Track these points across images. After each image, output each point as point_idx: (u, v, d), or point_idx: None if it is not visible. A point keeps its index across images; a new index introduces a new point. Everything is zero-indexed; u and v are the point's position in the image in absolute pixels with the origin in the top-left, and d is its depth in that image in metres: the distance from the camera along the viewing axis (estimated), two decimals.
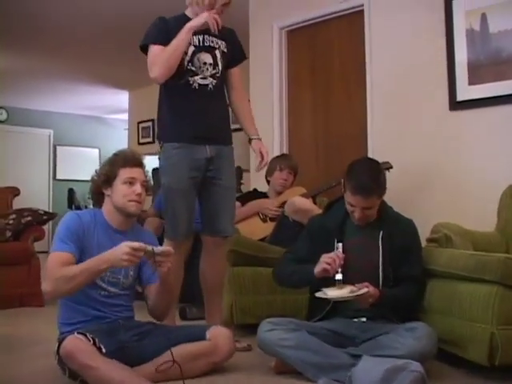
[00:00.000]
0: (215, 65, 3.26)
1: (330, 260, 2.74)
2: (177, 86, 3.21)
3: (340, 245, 2.87)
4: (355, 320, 2.84)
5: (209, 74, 3.24)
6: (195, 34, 3.19)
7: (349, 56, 4.97)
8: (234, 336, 2.93)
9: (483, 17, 3.99)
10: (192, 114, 3.22)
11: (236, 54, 3.42)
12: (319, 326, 2.81)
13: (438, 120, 4.24)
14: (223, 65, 3.31)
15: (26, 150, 11.59)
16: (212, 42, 3.27)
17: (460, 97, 4.10)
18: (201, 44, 3.23)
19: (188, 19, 3.21)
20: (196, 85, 3.21)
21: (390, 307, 2.80)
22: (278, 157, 4.61)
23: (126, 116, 11.05)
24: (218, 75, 3.28)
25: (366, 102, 4.70)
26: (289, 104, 5.38)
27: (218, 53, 3.28)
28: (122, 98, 10.74)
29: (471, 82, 4.05)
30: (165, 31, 3.18)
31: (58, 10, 6.37)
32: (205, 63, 3.22)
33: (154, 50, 3.17)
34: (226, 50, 3.33)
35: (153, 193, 3.67)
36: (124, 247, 2.42)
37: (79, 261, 2.61)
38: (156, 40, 3.18)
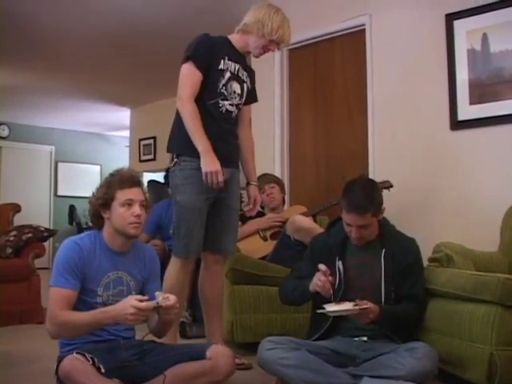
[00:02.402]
0: (241, 96, 3.35)
1: (321, 284, 2.71)
2: (206, 105, 3.22)
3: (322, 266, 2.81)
4: (356, 339, 2.82)
5: (235, 102, 3.32)
6: (232, 60, 3.28)
7: (350, 74, 4.99)
8: (234, 354, 2.92)
9: (484, 37, 4.01)
10: (216, 135, 3.22)
11: (252, 95, 3.51)
12: (320, 346, 2.80)
13: (439, 139, 4.25)
14: (245, 99, 3.39)
15: (27, 166, 11.62)
16: (243, 75, 3.36)
17: (461, 116, 4.11)
18: (236, 73, 3.31)
19: (230, 45, 3.32)
20: (224, 109, 3.26)
21: (390, 325, 2.78)
22: None
23: (127, 133, 11.10)
24: (240, 106, 3.37)
25: (367, 120, 4.72)
26: (290, 122, 5.40)
27: (245, 86, 3.38)
28: (123, 115, 10.79)
29: (472, 102, 4.06)
30: (209, 53, 3.21)
31: (60, 26, 6.41)
32: (234, 92, 3.30)
33: (188, 68, 3.20)
34: (249, 87, 3.42)
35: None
36: (130, 308, 2.37)
37: (82, 288, 2.60)
38: (197, 59, 3.19)
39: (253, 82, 3.50)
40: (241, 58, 3.37)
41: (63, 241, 2.70)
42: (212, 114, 3.23)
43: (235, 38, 3.36)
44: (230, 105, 3.28)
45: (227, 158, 3.27)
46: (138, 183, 2.75)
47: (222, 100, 3.25)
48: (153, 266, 2.88)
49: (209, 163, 3.07)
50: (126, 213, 2.65)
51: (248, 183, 3.52)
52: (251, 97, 3.51)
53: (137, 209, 2.67)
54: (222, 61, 3.25)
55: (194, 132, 3.10)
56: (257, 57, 3.40)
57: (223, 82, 3.24)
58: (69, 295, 2.55)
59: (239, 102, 3.34)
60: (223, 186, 3.18)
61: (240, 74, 3.34)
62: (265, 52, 3.34)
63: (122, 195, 2.66)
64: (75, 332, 2.54)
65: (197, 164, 3.13)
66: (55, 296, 2.55)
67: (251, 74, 3.49)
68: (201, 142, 3.09)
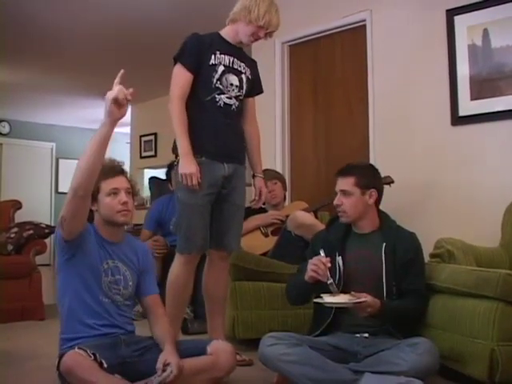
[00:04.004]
0: (240, 88, 3.33)
1: (315, 267, 2.73)
2: (202, 102, 3.25)
3: (321, 251, 2.82)
4: (357, 335, 2.82)
5: (234, 94, 3.30)
6: (224, 53, 3.28)
7: (351, 71, 4.98)
8: (236, 350, 2.92)
9: (485, 32, 4.00)
10: (215, 130, 3.25)
11: (255, 86, 3.50)
12: (321, 341, 2.80)
13: (440, 135, 4.24)
14: (246, 90, 3.37)
15: (28, 163, 11.61)
16: (240, 66, 3.35)
17: (462, 112, 4.10)
18: (230, 65, 3.30)
19: (221, 39, 3.32)
20: (222, 103, 3.26)
21: (391, 320, 2.78)
22: None
23: (128, 129, 11.06)
24: (240, 98, 3.36)
25: (368, 116, 4.71)
26: (291, 118, 5.39)
27: (244, 77, 3.36)
28: None
29: (473, 97, 4.05)
30: (196, 52, 3.23)
31: (60, 23, 6.40)
32: (231, 84, 3.29)
33: (177, 69, 3.25)
34: (250, 77, 3.41)
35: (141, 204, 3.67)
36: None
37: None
38: (183, 60, 3.23)
39: (255, 72, 3.48)
40: (235, 49, 3.36)
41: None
42: (209, 111, 3.25)
43: (226, 31, 3.37)
44: (227, 98, 3.27)
45: (227, 154, 3.29)
46: (122, 171, 2.79)
47: (218, 94, 3.25)
48: (146, 260, 2.91)
49: (185, 165, 3.12)
50: (112, 201, 2.69)
51: (253, 175, 3.52)
52: (255, 88, 3.50)
53: (123, 196, 2.70)
54: (213, 56, 3.26)
55: (178, 134, 3.17)
56: (248, 44, 3.40)
57: (217, 76, 3.24)
58: None
59: (238, 93, 3.33)
60: (226, 183, 3.25)
61: (236, 66, 3.33)
62: (255, 39, 3.32)
63: (107, 185, 2.71)
64: (85, 159, 2.51)
65: (197, 161, 3.16)
66: None
67: (251, 64, 3.47)
68: (182, 144, 3.15)
